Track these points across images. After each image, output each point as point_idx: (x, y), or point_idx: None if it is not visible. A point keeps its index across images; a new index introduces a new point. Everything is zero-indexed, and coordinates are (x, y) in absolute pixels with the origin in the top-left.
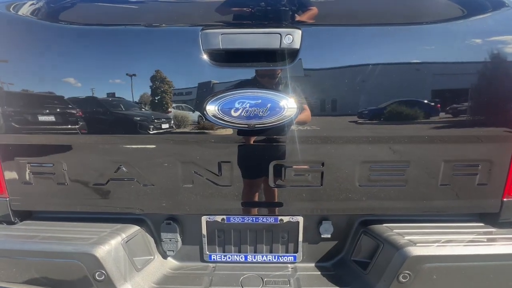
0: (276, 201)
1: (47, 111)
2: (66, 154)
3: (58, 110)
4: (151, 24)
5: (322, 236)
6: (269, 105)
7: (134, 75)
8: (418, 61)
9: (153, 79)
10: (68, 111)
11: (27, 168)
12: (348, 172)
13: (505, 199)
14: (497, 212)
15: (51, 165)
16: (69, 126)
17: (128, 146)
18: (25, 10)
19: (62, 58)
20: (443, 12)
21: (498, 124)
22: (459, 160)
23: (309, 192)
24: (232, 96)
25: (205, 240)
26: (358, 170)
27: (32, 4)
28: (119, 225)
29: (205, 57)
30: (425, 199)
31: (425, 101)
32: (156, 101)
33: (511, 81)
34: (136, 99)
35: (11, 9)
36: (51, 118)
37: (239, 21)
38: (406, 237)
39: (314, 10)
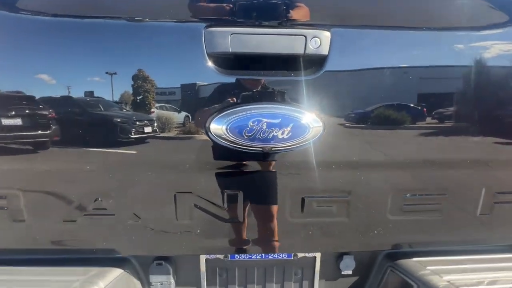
0: (293, 236)
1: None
2: (24, 183)
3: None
4: (141, 19)
5: (342, 272)
6: (291, 124)
7: (116, 79)
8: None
9: (140, 88)
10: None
11: None
12: (379, 202)
13: None
14: None
15: (3, 197)
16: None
17: (109, 172)
18: None
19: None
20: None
21: None
22: (503, 187)
23: (332, 226)
24: (244, 113)
25: (204, 281)
26: (391, 200)
27: None
28: (95, 270)
29: (209, 63)
30: (461, 230)
31: (469, 120)
32: (144, 113)
33: None
34: (118, 111)
35: None
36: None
37: (254, 19)
38: (444, 277)
39: (347, 7)
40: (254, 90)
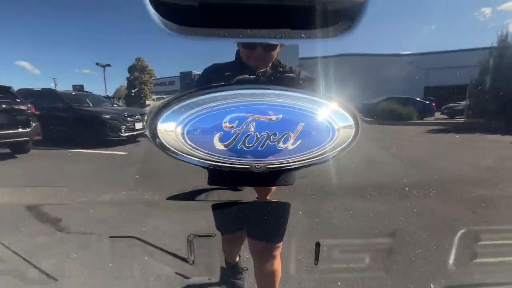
0: None
1: None
2: None
3: None
4: None
5: None
6: (300, 124)
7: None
8: None
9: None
10: None
11: None
12: (440, 245)
13: None
14: None
15: None
16: None
17: None
18: None
19: None
20: None
21: None
22: None
23: (363, 284)
24: (215, 105)
25: None
26: (458, 241)
27: None
28: None
29: (154, 15)
30: None
31: None
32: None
33: None
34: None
35: None
36: None
37: None
38: None
39: None
40: (234, 65)
